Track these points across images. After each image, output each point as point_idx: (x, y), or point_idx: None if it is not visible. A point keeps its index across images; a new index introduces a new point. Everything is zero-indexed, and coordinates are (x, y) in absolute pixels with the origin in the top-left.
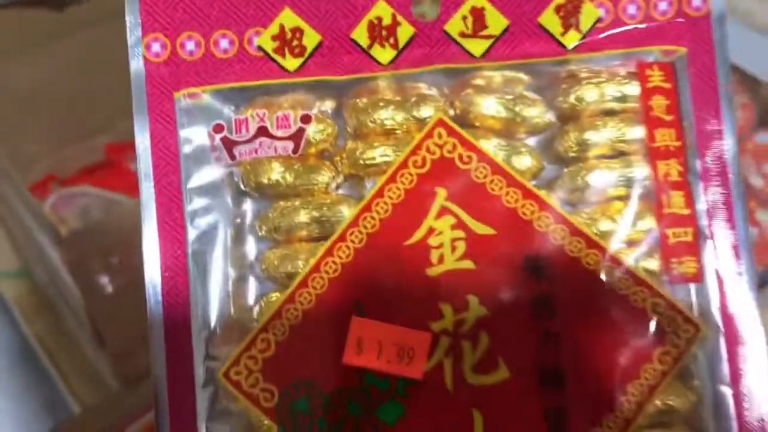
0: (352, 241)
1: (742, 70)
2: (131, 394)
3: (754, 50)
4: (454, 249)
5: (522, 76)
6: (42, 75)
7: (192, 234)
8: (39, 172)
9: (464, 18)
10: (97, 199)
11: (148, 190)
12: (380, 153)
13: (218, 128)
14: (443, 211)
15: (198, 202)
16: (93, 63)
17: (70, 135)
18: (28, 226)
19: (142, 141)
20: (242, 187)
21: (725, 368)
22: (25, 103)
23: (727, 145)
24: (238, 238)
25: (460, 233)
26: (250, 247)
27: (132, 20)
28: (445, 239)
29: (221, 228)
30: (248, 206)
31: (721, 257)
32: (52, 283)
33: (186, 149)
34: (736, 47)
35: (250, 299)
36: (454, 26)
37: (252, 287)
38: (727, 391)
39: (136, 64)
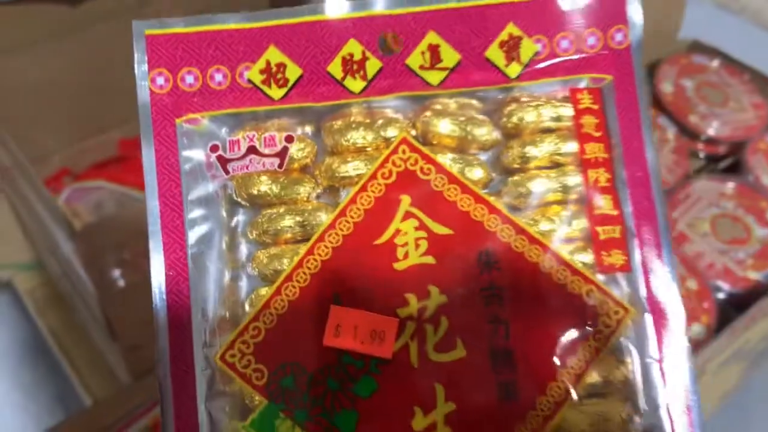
0: (330, 242)
1: (754, 70)
2: (142, 387)
3: (766, 49)
4: (417, 247)
5: (474, 102)
6: (56, 70)
7: (192, 239)
8: (53, 167)
9: (422, 53)
10: (111, 193)
11: (153, 201)
12: (353, 167)
13: (214, 148)
14: (407, 215)
15: (196, 212)
16: (107, 58)
17: (83, 130)
18: (42, 220)
19: (149, 160)
20: (235, 197)
21: (652, 345)
22: (40, 97)
23: (649, 157)
24: (232, 243)
25: (423, 233)
26: (243, 250)
27: (139, 56)
28: (409, 239)
29: (216, 234)
30: (240, 215)
31: (646, 251)
32: (65, 276)
33: (186, 167)
34: (747, 47)
35: (242, 294)
36: (414, 60)
37: (244, 284)
38: (654, 364)
39: (143, 95)
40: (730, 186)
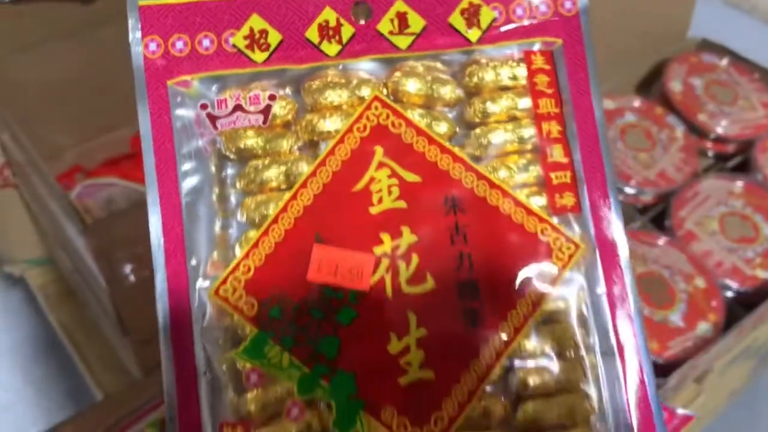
0: (312, 189)
1: (763, 68)
2: (153, 382)
3: None
4: (390, 193)
5: (438, 65)
6: (69, 67)
7: (185, 189)
8: (65, 163)
9: (391, 20)
10: (122, 189)
11: (149, 156)
12: (331, 122)
13: (204, 106)
14: (381, 165)
15: (188, 165)
16: (119, 56)
17: (95, 127)
18: (54, 215)
19: (144, 119)
20: (223, 151)
21: (600, 276)
22: (52, 95)
23: (597, 113)
24: (222, 194)
25: (395, 181)
26: (232, 200)
27: (133, 24)
28: (383, 186)
29: (207, 185)
30: (228, 168)
31: (594, 195)
32: (77, 271)
33: (178, 124)
34: (757, 45)
35: (233, 240)
36: (384, 26)
37: (234, 231)
38: (602, 294)
39: (137, 60)
40: (738, 185)
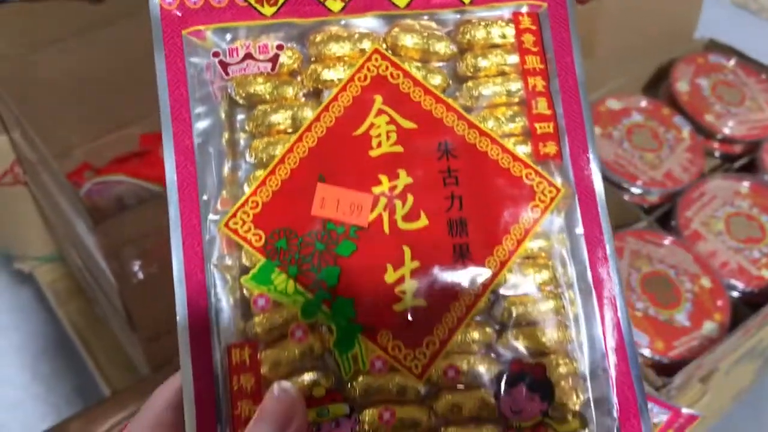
0: (316, 132)
1: None
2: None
3: None
4: (388, 138)
5: (433, 24)
6: (79, 66)
7: (197, 131)
8: (75, 161)
9: None
10: (131, 187)
11: (165, 98)
12: (334, 72)
13: (216, 54)
14: (380, 112)
15: (200, 108)
16: (129, 54)
17: (105, 125)
18: (64, 213)
19: (160, 65)
20: (234, 96)
21: (578, 218)
22: (63, 93)
23: (578, 70)
24: (231, 137)
25: (392, 127)
26: (241, 143)
27: None
28: (381, 131)
29: (218, 128)
30: (238, 114)
31: (575, 146)
32: (86, 268)
33: (191, 71)
34: (765, 48)
35: (241, 180)
36: None
37: (242, 172)
38: (580, 235)
39: (155, 10)
40: (745, 185)
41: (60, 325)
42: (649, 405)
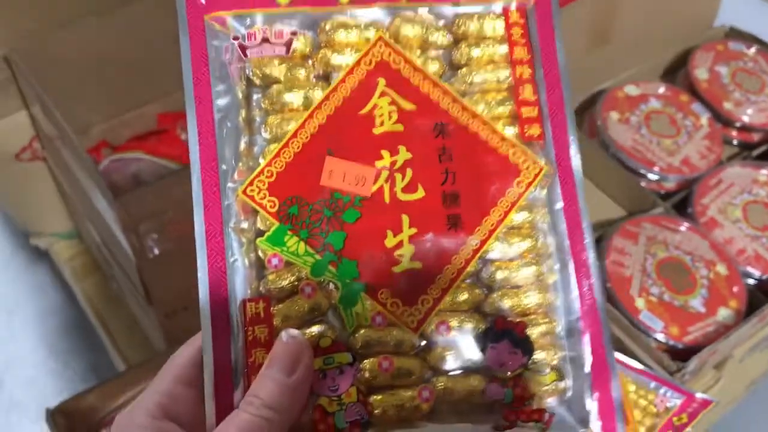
0: (325, 111)
1: None
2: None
3: None
4: (390, 117)
5: (431, 16)
6: (100, 45)
7: (217, 107)
8: (93, 139)
9: None
10: (148, 164)
11: (188, 78)
12: (342, 57)
13: (236, 38)
14: (383, 94)
15: (220, 86)
16: (149, 34)
17: (123, 103)
18: (83, 188)
19: (185, 46)
20: (251, 76)
21: (558, 194)
22: (82, 71)
23: (560, 61)
24: (248, 115)
25: (394, 108)
26: (257, 119)
27: None
28: (384, 111)
29: (236, 106)
30: (254, 91)
31: (556, 130)
32: (104, 244)
33: (212, 53)
34: None
35: (257, 152)
36: None
37: (257, 147)
38: (560, 209)
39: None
40: (763, 173)
41: (76, 302)
42: (663, 389)
